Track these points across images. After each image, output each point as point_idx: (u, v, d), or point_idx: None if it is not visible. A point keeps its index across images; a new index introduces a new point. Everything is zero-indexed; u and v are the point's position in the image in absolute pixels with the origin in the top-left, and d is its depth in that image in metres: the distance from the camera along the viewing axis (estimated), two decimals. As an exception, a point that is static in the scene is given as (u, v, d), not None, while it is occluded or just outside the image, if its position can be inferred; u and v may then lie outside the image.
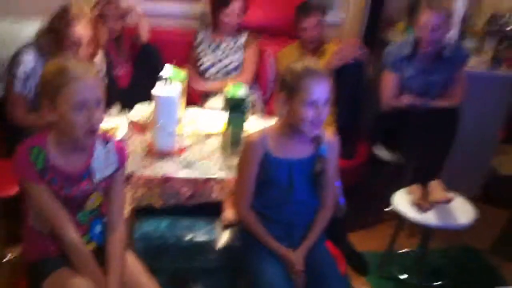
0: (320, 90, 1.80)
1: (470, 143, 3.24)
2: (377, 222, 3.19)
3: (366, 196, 3.25)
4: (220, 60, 3.28)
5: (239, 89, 2.24)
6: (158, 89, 2.17)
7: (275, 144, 1.92)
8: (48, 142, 1.68)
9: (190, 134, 2.33)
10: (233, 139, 2.17)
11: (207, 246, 2.16)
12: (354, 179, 3.08)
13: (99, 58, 2.68)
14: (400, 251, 2.87)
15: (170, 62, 3.17)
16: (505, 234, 3.19)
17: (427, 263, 2.69)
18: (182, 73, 2.48)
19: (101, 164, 1.77)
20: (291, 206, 1.95)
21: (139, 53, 3.21)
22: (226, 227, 2.69)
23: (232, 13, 3.20)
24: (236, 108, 2.19)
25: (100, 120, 1.68)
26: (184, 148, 2.25)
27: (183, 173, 2.10)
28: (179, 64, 3.17)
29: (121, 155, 1.82)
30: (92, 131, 1.66)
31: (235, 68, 3.27)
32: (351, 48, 2.97)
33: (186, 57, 3.37)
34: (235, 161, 2.16)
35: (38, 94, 1.77)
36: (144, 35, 3.22)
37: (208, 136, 2.39)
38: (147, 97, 3.04)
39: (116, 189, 1.82)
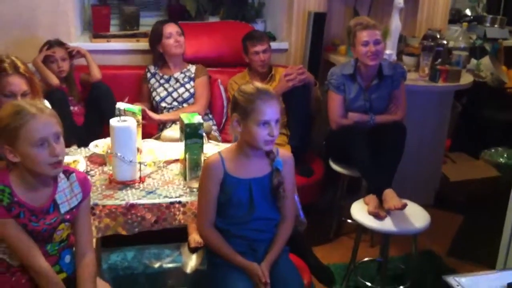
0: (272, 111, 1.90)
1: (420, 153, 3.42)
2: (339, 235, 3.29)
3: (326, 210, 3.34)
4: (173, 90, 3.35)
5: (194, 116, 2.31)
6: (115, 121, 2.21)
7: (233, 165, 1.99)
8: (10, 179, 1.72)
9: (149, 163, 2.37)
10: (192, 164, 2.22)
11: (176, 271, 2.19)
12: (314, 195, 3.19)
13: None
14: (363, 260, 2.96)
15: (122, 98, 3.25)
16: (460, 237, 3.34)
17: (389, 270, 2.78)
18: (137, 106, 2.54)
19: (66, 196, 1.81)
20: (254, 223, 2.00)
21: (90, 92, 3.26)
22: (193, 250, 2.74)
23: (171, 37, 3.28)
24: (193, 134, 2.25)
25: (63, 152, 1.73)
26: (145, 176, 2.29)
27: (146, 200, 2.13)
28: (132, 99, 3.26)
29: (85, 186, 1.86)
30: (57, 163, 1.70)
31: (189, 98, 3.34)
32: (298, 71, 3.09)
33: (138, 91, 3.44)
34: (195, 184, 2.21)
35: None
36: (94, 73, 3.28)
37: (167, 163, 2.43)
38: (101, 134, 3.11)
39: (83, 219, 1.86)
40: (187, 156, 2.22)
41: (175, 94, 3.35)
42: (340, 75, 3.04)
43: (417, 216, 2.58)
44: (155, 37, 3.34)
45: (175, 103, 3.34)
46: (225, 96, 3.50)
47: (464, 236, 3.36)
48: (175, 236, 2.67)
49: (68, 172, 1.84)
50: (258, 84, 1.99)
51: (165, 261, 2.20)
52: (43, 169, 1.69)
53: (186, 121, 2.26)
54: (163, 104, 3.34)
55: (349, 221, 3.30)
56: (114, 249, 2.19)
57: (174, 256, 2.23)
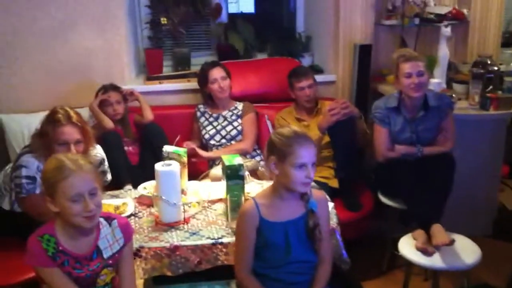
0: (308, 154, 1.94)
1: (474, 182, 3.33)
2: (392, 268, 3.22)
3: (378, 243, 3.30)
4: (222, 128, 3.44)
5: (235, 157, 2.37)
6: (159, 165, 2.31)
7: (267, 209, 2.02)
8: (55, 229, 1.84)
9: (194, 203, 2.44)
10: (233, 205, 2.28)
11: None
12: (363, 228, 3.16)
13: (96, 151, 2.79)
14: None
15: (174, 137, 3.38)
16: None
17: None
18: (182, 149, 2.63)
19: (108, 242, 1.92)
20: (290, 266, 2.02)
21: (144, 132, 3.40)
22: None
23: (216, 82, 3.39)
24: (233, 175, 2.31)
25: (97, 207, 1.82)
26: (189, 217, 2.36)
27: (189, 241, 2.20)
28: (183, 138, 3.38)
29: (127, 231, 1.96)
30: (90, 217, 1.80)
31: (237, 135, 3.42)
32: (342, 105, 3.10)
33: (189, 130, 3.56)
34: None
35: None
36: (147, 115, 3.42)
37: (212, 202, 2.50)
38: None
39: (125, 263, 1.96)
40: (228, 197, 2.27)
41: (223, 132, 3.44)
42: (384, 108, 3.03)
43: (467, 251, 2.51)
44: (202, 79, 3.46)
45: (223, 141, 3.43)
46: (273, 131, 3.54)
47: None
48: (224, 272, 2.70)
49: (110, 219, 1.95)
50: (295, 127, 2.04)
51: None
52: (77, 221, 1.80)
53: (227, 163, 2.33)
54: (212, 142, 3.43)
55: (397, 253, 3.26)
56: (166, 285, 2.28)
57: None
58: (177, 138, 3.46)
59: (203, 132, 3.48)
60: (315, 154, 1.98)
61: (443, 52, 3.48)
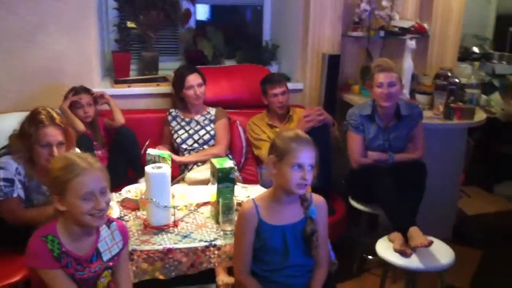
0: (306, 155, 1.98)
1: (437, 189, 3.48)
2: (362, 271, 3.33)
3: (348, 247, 3.38)
4: (194, 132, 3.43)
5: (225, 160, 2.39)
6: (150, 167, 2.29)
7: (267, 211, 2.05)
8: (57, 230, 1.79)
9: (182, 207, 2.44)
10: (224, 208, 2.29)
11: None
12: (336, 233, 3.22)
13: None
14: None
15: (144, 141, 3.35)
16: (482, 272, 3.37)
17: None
18: (166, 152, 2.62)
19: (107, 244, 1.89)
20: (288, 269, 2.05)
21: (115, 136, 3.34)
22: (223, 291, 2.78)
23: (192, 88, 3.39)
24: (224, 178, 2.33)
25: (107, 206, 1.80)
26: (178, 220, 2.35)
27: (182, 244, 2.19)
28: (153, 142, 3.36)
29: (125, 234, 1.95)
30: (100, 216, 1.78)
31: (209, 139, 3.43)
32: (317, 112, 3.19)
33: (159, 134, 3.53)
34: (228, 227, 2.29)
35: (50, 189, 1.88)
36: (118, 118, 3.37)
37: (198, 206, 2.50)
38: (125, 177, 3.18)
39: (123, 265, 1.94)
40: (220, 200, 2.28)
41: (196, 136, 3.43)
42: (359, 116, 3.13)
43: (442, 253, 2.63)
44: (178, 84, 3.44)
45: (195, 145, 3.42)
46: (244, 137, 3.58)
47: (485, 271, 3.39)
48: (200, 277, 2.69)
49: (108, 221, 1.92)
50: (299, 131, 2.07)
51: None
52: (87, 219, 1.77)
53: (218, 166, 2.34)
54: (184, 146, 3.42)
55: (370, 257, 3.37)
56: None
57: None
58: (147, 143, 3.45)
59: (175, 136, 3.46)
60: (314, 157, 2.02)
61: (408, 64, 3.64)
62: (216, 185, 2.34)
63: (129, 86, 3.72)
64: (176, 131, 3.47)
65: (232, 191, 2.35)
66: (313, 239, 2.04)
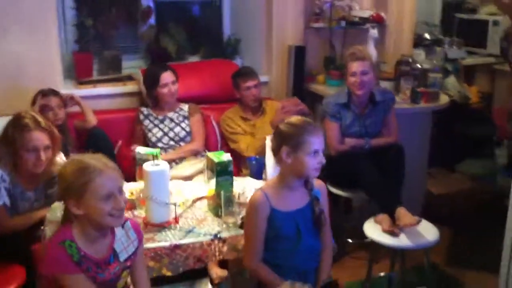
0: (320, 140, 2.04)
1: (407, 170, 3.59)
2: (342, 254, 3.38)
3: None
4: (169, 130, 3.39)
5: (222, 154, 2.39)
6: (148, 165, 2.25)
7: (277, 199, 2.07)
8: (73, 234, 1.74)
9: (181, 203, 2.41)
10: (225, 200, 2.29)
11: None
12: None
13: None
14: (374, 277, 3.07)
15: (115, 142, 3.28)
16: (455, 248, 3.54)
17: (408, 282, 2.91)
18: (155, 150, 2.59)
19: (123, 244, 1.86)
20: (300, 254, 2.08)
21: (88, 138, 3.25)
22: (217, 285, 2.78)
23: (166, 86, 3.35)
24: (223, 171, 2.33)
25: (125, 204, 1.77)
26: (178, 216, 2.33)
27: (189, 239, 2.18)
28: (125, 142, 3.30)
29: (139, 232, 1.92)
30: (119, 216, 1.76)
31: (185, 136, 3.40)
32: (293, 103, 3.23)
33: (130, 134, 3.46)
34: (231, 220, 2.29)
35: (59, 195, 1.82)
36: (90, 119, 3.29)
37: (195, 201, 2.49)
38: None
39: (140, 264, 1.92)
40: (221, 193, 2.28)
41: (171, 134, 3.40)
42: (335, 104, 3.20)
43: (427, 231, 2.73)
44: (151, 82, 3.38)
45: (171, 143, 3.39)
46: (218, 131, 3.58)
47: (458, 246, 3.55)
48: (190, 274, 2.67)
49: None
50: (304, 117, 2.11)
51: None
52: (107, 220, 1.73)
53: (216, 160, 2.33)
54: (160, 144, 3.37)
55: (350, 240, 3.46)
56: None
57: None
58: (119, 143, 3.39)
59: (149, 135, 3.41)
60: (323, 141, 2.07)
61: (372, 52, 3.74)
62: (214, 179, 2.34)
63: (94, 87, 3.63)
64: (150, 130, 3.42)
65: (232, 183, 2.35)
66: (322, 219, 2.10)
